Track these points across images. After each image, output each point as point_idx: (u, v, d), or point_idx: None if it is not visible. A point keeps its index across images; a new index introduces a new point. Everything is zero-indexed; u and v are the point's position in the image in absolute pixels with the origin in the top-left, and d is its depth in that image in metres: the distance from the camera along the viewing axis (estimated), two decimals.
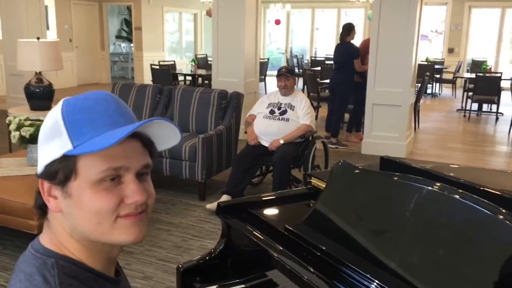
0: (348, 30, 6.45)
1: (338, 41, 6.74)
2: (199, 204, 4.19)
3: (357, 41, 6.89)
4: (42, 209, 0.82)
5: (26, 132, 3.38)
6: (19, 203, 3.05)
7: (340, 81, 6.47)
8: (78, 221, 0.78)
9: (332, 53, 6.92)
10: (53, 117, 0.78)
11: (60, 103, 0.80)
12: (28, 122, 3.48)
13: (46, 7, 8.64)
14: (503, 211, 1.23)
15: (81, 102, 0.79)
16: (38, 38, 5.18)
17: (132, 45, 13.09)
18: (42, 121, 3.52)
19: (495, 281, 1.18)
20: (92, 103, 0.78)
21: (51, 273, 0.75)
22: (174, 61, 10.59)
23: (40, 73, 5.24)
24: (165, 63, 9.80)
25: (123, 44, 14.83)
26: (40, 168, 0.79)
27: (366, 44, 6.41)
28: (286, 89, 4.22)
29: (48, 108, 5.27)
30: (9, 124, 3.53)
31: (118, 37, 14.67)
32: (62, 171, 0.76)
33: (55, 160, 0.76)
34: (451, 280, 1.22)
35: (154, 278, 2.98)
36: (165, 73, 8.71)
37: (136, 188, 0.77)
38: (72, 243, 0.81)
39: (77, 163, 0.75)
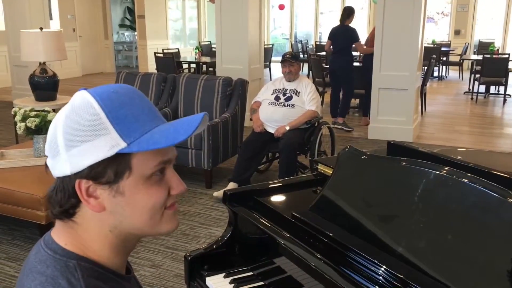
0: (349, 13, 6.41)
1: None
2: (206, 192, 4.19)
3: (359, 25, 6.81)
4: (67, 213, 0.78)
5: (32, 123, 3.39)
6: (26, 194, 3.07)
7: (341, 64, 6.46)
8: (128, 218, 0.77)
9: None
10: (90, 113, 0.73)
11: (87, 96, 0.75)
12: (34, 113, 3.48)
13: None
14: None
15: (116, 96, 0.76)
16: (41, 29, 5.17)
17: (135, 33, 13.03)
18: (47, 111, 3.54)
19: (506, 265, 1.17)
20: (127, 98, 0.77)
21: (75, 276, 0.73)
22: (178, 49, 10.55)
23: (44, 63, 5.24)
24: (169, 51, 9.75)
25: (126, 33, 14.78)
26: (78, 168, 0.74)
27: None
28: (290, 75, 4.19)
29: (52, 98, 5.28)
30: (14, 115, 3.53)
31: (122, 25, 14.62)
32: (113, 170, 0.74)
33: (105, 159, 0.73)
34: (460, 265, 1.21)
35: (163, 266, 2.99)
36: (169, 61, 8.68)
37: (179, 179, 0.80)
38: (97, 243, 0.79)
39: (131, 160, 0.74)
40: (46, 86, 5.25)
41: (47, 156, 0.79)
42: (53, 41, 5.04)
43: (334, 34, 6.55)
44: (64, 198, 0.77)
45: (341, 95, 6.78)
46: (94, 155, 0.73)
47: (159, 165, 0.77)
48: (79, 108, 0.74)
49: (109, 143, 0.73)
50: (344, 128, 6.48)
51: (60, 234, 0.80)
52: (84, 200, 0.76)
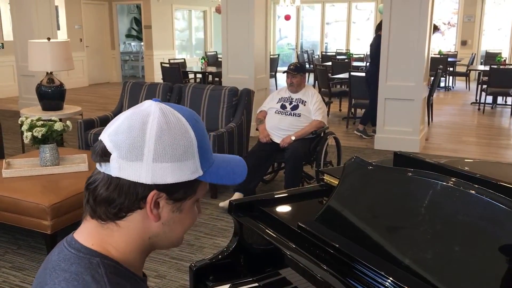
0: (380, 24, 6.50)
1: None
2: (211, 202, 4.18)
3: (364, 35, 6.89)
4: (119, 215, 0.80)
5: (38, 132, 3.40)
6: (32, 203, 3.07)
7: (372, 73, 6.52)
8: (172, 233, 0.85)
9: (344, 48, 6.92)
10: (186, 138, 0.79)
11: (183, 120, 0.80)
12: (40, 123, 3.50)
13: (56, 7, 8.71)
14: None
15: (199, 125, 0.83)
16: (48, 39, 5.21)
17: (142, 43, 13.13)
18: (54, 121, 3.55)
19: None
20: (203, 127, 0.84)
21: (99, 272, 0.76)
22: (184, 59, 10.60)
23: (51, 73, 5.27)
24: (175, 61, 9.81)
25: (133, 43, 14.89)
26: (160, 181, 0.78)
27: None
28: (292, 86, 4.18)
29: (59, 108, 5.31)
30: (21, 125, 3.55)
31: (128, 36, 14.73)
32: (184, 191, 0.82)
33: (185, 181, 0.80)
34: (467, 277, 1.20)
35: (167, 276, 2.98)
36: (175, 71, 8.72)
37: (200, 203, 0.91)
38: (130, 246, 0.82)
39: (199, 186, 0.84)
40: (53, 96, 5.27)
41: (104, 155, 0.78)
42: (60, 51, 5.07)
43: (370, 44, 6.78)
44: (130, 202, 0.79)
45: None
46: (178, 175, 0.79)
47: (206, 192, 0.88)
48: (176, 129, 0.79)
49: (192, 168, 0.80)
50: (363, 136, 6.55)
51: (87, 236, 0.82)
52: (149, 208, 0.79)
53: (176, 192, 0.81)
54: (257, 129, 4.48)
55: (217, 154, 0.88)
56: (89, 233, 0.82)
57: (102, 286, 0.75)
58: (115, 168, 0.78)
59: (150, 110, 0.80)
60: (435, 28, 7.02)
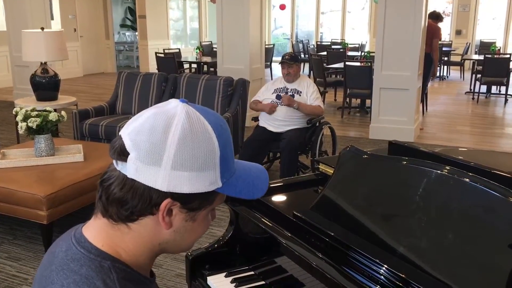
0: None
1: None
2: None
3: (360, 25, 6.84)
4: (131, 218, 0.77)
5: (33, 122, 3.39)
6: (28, 193, 3.07)
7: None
8: (183, 241, 0.82)
9: (339, 38, 6.88)
10: (209, 146, 0.75)
11: (208, 126, 0.76)
12: (35, 113, 3.48)
13: None
14: None
15: (223, 132, 0.78)
16: (42, 29, 5.17)
17: (136, 33, 13.04)
18: (48, 111, 3.54)
19: (506, 264, 1.17)
20: (228, 134, 0.80)
21: (111, 277, 0.74)
22: (179, 49, 10.55)
23: (45, 63, 5.24)
24: (170, 51, 9.76)
25: (127, 33, 14.78)
26: (176, 190, 0.74)
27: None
28: (289, 76, 4.18)
29: (54, 98, 5.28)
30: (16, 115, 3.53)
31: (123, 26, 14.62)
32: (200, 201, 0.78)
33: (202, 192, 0.77)
34: (461, 264, 1.21)
35: (164, 266, 3.00)
36: (170, 61, 8.69)
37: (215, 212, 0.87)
38: (140, 250, 0.80)
39: (216, 196, 0.80)
40: (47, 86, 5.25)
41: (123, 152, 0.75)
42: (54, 41, 5.04)
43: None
44: (142, 206, 0.76)
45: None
46: (195, 186, 0.75)
47: (223, 201, 0.84)
48: (199, 137, 0.75)
49: (210, 179, 0.76)
50: None
51: (97, 234, 0.79)
52: (161, 216, 0.76)
53: (191, 202, 0.77)
54: (253, 119, 4.48)
55: (239, 161, 0.84)
56: (99, 232, 0.80)
57: None
58: (132, 169, 0.74)
59: (175, 112, 0.75)
60: (440, 18, 6.96)
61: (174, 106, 0.77)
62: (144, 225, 0.78)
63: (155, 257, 0.84)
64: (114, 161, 0.77)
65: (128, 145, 0.74)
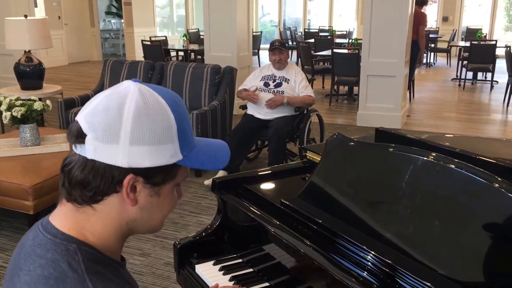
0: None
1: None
2: (195, 181, 4.18)
3: (347, 12, 6.82)
4: (95, 199, 0.78)
5: (18, 112, 3.34)
6: (13, 184, 3.04)
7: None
8: (151, 217, 0.83)
9: (327, 25, 6.85)
10: (165, 121, 0.77)
11: (162, 101, 0.77)
12: (19, 102, 3.44)
13: None
14: (499, 179, 1.22)
15: (179, 107, 0.80)
16: (25, 16, 5.09)
17: (122, 21, 12.87)
18: (33, 100, 3.49)
19: (491, 249, 1.18)
20: (184, 109, 0.82)
21: (76, 259, 0.75)
22: (165, 37, 10.44)
23: (29, 52, 5.16)
24: (157, 38, 9.66)
25: (113, 20, 14.59)
26: (137, 165, 0.76)
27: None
28: (280, 63, 4.16)
29: (38, 87, 5.21)
30: (0, 105, 3.48)
31: (108, 13, 14.43)
32: (163, 175, 0.79)
33: (163, 165, 0.78)
34: (447, 249, 1.23)
35: (152, 254, 2.99)
36: (156, 49, 8.60)
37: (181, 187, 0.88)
38: (107, 231, 0.80)
39: (178, 170, 0.81)
40: (31, 75, 5.18)
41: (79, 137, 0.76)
42: (38, 29, 4.96)
43: None
44: (105, 185, 0.77)
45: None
46: (156, 159, 0.76)
47: (187, 177, 0.85)
48: (154, 111, 0.76)
49: (171, 152, 0.78)
50: None
51: (63, 220, 0.80)
52: (125, 192, 0.77)
53: (154, 177, 0.78)
54: (241, 107, 4.47)
55: (200, 138, 0.87)
56: (65, 217, 0.80)
57: (79, 275, 0.73)
58: (91, 150, 0.75)
59: (128, 90, 0.77)
60: (425, 2, 6.94)
61: (127, 86, 0.78)
62: (109, 204, 0.78)
63: (124, 239, 0.84)
64: (73, 146, 0.78)
65: (84, 127, 0.76)
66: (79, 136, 0.76)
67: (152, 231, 0.87)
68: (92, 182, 0.76)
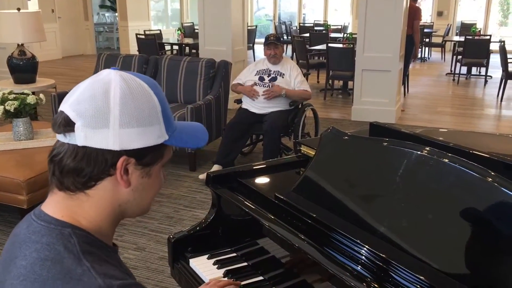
0: None
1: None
2: (189, 175, 4.18)
3: (342, 6, 6.81)
4: (88, 184, 0.80)
5: (11, 106, 3.32)
6: (7, 178, 3.02)
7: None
8: (143, 198, 0.86)
9: (322, 20, 6.84)
10: (151, 103, 0.80)
11: (145, 86, 0.81)
12: (12, 96, 3.41)
13: None
14: (492, 173, 1.23)
15: (159, 91, 0.84)
16: (18, 9, 5.05)
17: (116, 14, 12.79)
18: (26, 94, 3.47)
19: (484, 243, 1.19)
20: (162, 93, 0.86)
21: (71, 241, 0.76)
22: (160, 30, 10.40)
23: (22, 45, 5.13)
24: (151, 32, 9.62)
25: (107, 14, 14.51)
26: (128, 147, 0.78)
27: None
28: (275, 58, 4.15)
29: (32, 80, 5.18)
30: None
31: (102, 6, 14.34)
32: (153, 155, 0.83)
33: (152, 145, 0.81)
34: (441, 243, 1.23)
35: (147, 249, 2.99)
36: (151, 43, 8.56)
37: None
38: (100, 215, 0.82)
39: (165, 150, 0.85)
40: (25, 69, 5.14)
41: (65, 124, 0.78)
42: (31, 22, 4.92)
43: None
44: (99, 170, 0.79)
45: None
46: (145, 140, 0.80)
47: (171, 156, 0.89)
48: (139, 95, 0.80)
49: (157, 133, 0.81)
50: None
51: (55, 208, 0.81)
52: (119, 175, 0.80)
53: (145, 157, 0.82)
54: (235, 102, 4.46)
55: (177, 121, 0.90)
56: (57, 205, 0.82)
57: (75, 255, 0.75)
58: (81, 137, 0.77)
59: (110, 77, 0.79)
60: None
61: (107, 74, 0.80)
62: (102, 189, 0.81)
63: (116, 223, 0.87)
64: (60, 136, 0.79)
65: (72, 116, 0.77)
66: (67, 125, 0.77)
67: (142, 213, 0.90)
68: (86, 168, 0.78)
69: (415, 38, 6.59)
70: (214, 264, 1.63)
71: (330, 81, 7.69)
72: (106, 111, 0.77)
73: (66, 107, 0.78)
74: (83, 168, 0.78)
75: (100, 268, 0.74)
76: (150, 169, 0.84)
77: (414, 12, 6.46)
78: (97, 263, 0.75)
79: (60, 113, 0.79)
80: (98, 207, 0.82)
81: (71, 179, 0.79)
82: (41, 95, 3.58)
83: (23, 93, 3.50)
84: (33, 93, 3.69)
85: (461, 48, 8.83)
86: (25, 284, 0.73)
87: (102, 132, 0.77)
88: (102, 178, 0.80)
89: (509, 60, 7.33)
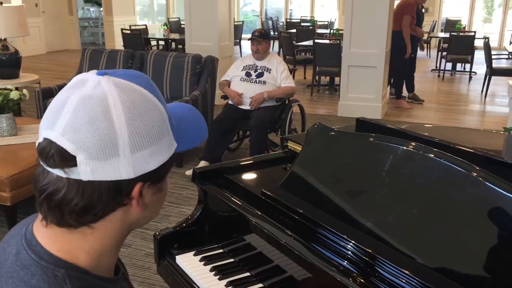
0: None
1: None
2: (176, 171, 4.16)
3: (329, 3, 6.82)
4: (97, 218, 0.69)
5: None
6: None
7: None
8: (153, 212, 0.77)
9: (308, 15, 6.85)
10: (158, 114, 0.69)
11: (147, 94, 0.69)
12: None
13: None
14: (477, 168, 1.24)
15: (156, 90, 0.73)
16: (1, 3, 4.97)
17: (101, 9, 12.66)
18: (9, 89, 3.42)
19: (470, 237, 1.20)
20: (159, 92, 0.74)
21: None
22: (145, 25, 10.32)
23: (5, 40, 5.05)
24: (137, 27, 9.54)
25: (92, 9, 14.36)
26: (143, 170, 0.67)
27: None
28: (258, 53, 4.14)
29: (15, 76, 5.10)
30: None
31: (87, 1, 14.18)
32: (165, 169, 0.72)
33: (166, 160, 0.71)
34: (426, 238, 1.24)
35: (133, 245, 2.97)
36: (136, 38, 8.49)
37: None
38: (108, 243, 0.72)
39: (173, 157, 0.74)
40: (8, 64, 5.07)
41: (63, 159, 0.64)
42: (14, 16, 4.85)
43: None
44: (113, 203, 0.68)
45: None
46: (159, 158, 0.69)
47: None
48: (144, 107, 0.67)
49: (168, 144, 0.71)
50: (414, 102, 6.86)
51: (50, 239, 0.70)
52: (136, 201, 0.69)
53: (160, 175, 0.72)
54: (222, 97, 4.45)
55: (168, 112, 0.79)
56: (53, 237, 0.70)
57: None
58: (87, 172, 0.64)
59: (103, 90, 0.65)
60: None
61: (97, 84, 0.66)
62: (111, 219, 0.70)
63: (121, 245, 0.77)
64: (56, 170, 0.66)
65: (71, 149, 0.64)
66: (66, 160, 0.64)
67: (148, 222, 0.81)
68: (98, 204, 0.67)
69: (404, 34, 6.55)
70: (200, 260, 1.62)
71: (317, 77, 7.70)
72: (113, 136, 0.64)
73: (58, 136, 0.64)
74: (94, 205, 0.67)
75: None
76: (162, 183, 0.74)
77: (405, 7, 6.39)
78: None
79: (49, 143, 0.65)
80: (105, 239, 0.71)
81: (74, 216, 0.67)
82: (25, 91, 3.53)
83: (6, 89, 3.45)
84: (17, 88, 3.64)
85: (446, 45, 8.90)
86: None
87: (112, 163, 0.65)
88: (115, 209, 0.69)
89: (493, 57, 7.41)
